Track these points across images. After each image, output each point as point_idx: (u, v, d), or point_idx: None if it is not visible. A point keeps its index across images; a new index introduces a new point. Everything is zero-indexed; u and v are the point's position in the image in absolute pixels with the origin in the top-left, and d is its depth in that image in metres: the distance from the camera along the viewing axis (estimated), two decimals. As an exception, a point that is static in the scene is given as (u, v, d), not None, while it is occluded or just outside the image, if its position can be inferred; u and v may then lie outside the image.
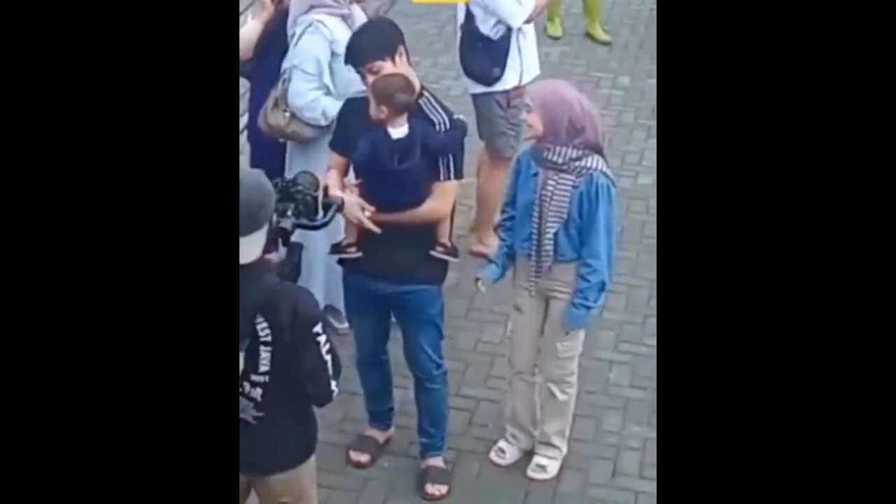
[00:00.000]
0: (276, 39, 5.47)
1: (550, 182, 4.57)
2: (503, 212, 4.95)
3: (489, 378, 5.57)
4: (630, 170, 7.23)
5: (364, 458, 5.10)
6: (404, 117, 4.53)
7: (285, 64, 5.30)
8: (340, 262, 4.81)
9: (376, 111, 4.52)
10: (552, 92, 4.62)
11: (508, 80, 6.16)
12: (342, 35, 5.24)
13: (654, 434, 5.21)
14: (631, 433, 5.30)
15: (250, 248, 3.51)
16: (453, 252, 4.76)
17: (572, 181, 4.54)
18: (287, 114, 5.30)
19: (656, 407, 5.27)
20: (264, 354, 3.56)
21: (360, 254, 4.67)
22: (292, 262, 4.23)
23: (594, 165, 4.56)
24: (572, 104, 4.56)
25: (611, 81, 8.43)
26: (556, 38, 8.91)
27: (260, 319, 3.53)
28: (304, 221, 4.20)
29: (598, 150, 4.59)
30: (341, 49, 5.22)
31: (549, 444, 5.02)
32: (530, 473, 5.03)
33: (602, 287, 4.67)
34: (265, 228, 3.59)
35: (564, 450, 5.05)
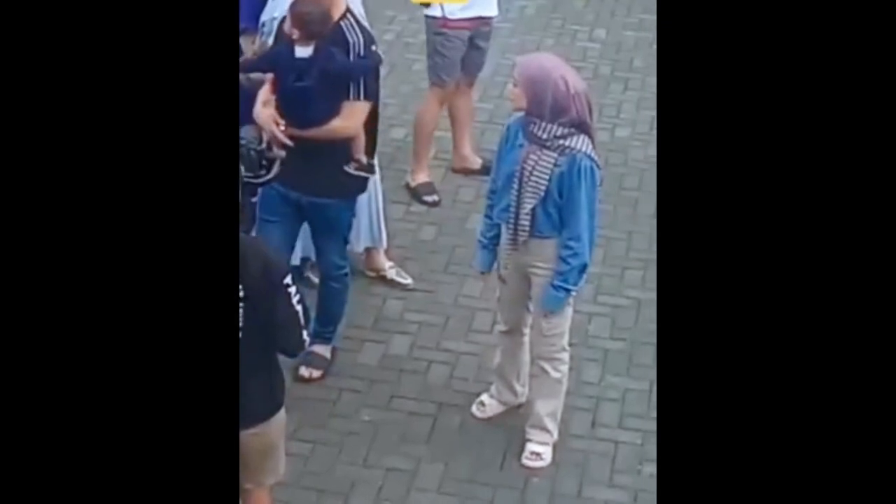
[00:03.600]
0: None
1: (532, 156, 4.43)
2: (491, 182, 4.77)
3: (469, 332, 5.58)
4: (608, 122, 7.22)
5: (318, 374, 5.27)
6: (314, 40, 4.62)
7: (264, 16, 5.26)
8: None
9: (290, 29, 4.65)
10: (538, 68, 4.45)
11: (435, 8, 6.23)
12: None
13: (633, 385, 5.27)
14: (610, 384, 5.33)
15: None
16: (368, 168, 4.94)
17: (554, 159, 4.41)
18: (266, 66, 5.27)
19: (657, 382, 5.32)
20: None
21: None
22: (247, 219, 4.22)
23: (578, 146, 4.41)
24: (556, 82, 4.38)
25: (587, 34, 8.39)
26: (533, -8, 8.86)
27: None
28: (249, 178, 4.18)
29: (585, 129, 4.44)
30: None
31: (542, 429, 4.87)
32: (525, 462, 4.87)
33: (583, 269, 4.55)
34: None
35: (555, 435, 4.91)
